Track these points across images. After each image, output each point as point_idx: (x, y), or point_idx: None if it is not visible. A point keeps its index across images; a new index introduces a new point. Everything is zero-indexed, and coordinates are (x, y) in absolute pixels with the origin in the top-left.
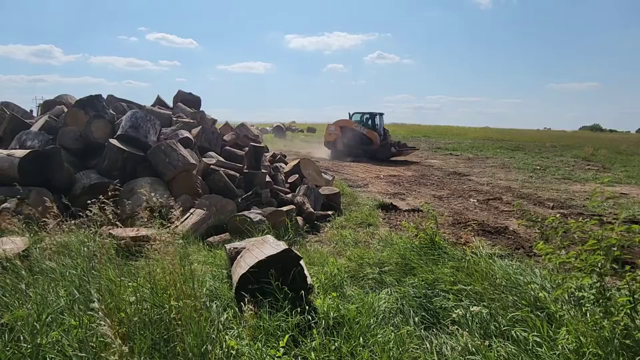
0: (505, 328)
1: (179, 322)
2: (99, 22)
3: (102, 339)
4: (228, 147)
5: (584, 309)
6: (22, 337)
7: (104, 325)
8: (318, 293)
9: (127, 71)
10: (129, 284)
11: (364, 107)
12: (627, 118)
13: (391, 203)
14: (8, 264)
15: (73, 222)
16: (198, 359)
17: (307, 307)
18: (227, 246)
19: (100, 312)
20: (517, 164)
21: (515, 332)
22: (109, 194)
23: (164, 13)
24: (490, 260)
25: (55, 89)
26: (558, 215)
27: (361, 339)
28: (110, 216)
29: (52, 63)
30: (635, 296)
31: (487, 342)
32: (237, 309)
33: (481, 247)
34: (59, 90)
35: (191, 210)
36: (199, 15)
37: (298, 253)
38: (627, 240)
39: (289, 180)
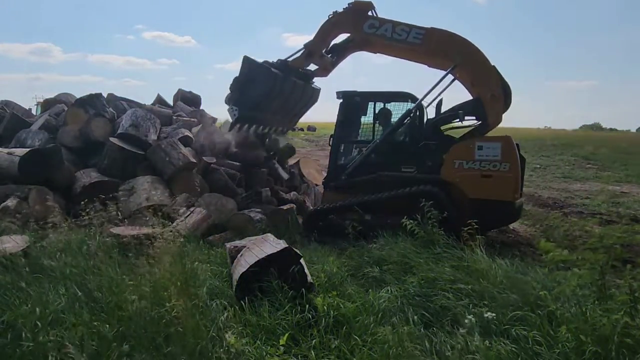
0: (505, 327)
1: (180, 321)
2: (95, 20)
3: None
4: None
5: (584, 308)
6: (23, 336)
7: None
8: (318, 291)
9: (126, 70)
10: (130, 282)
11: None
12: (628, 117)
13: None
14: (8, 262)
15: (74, 220)
16: (198, 358)
17: (307, 306)
18: (228, 245)
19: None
20: None
21: (515, 330)
22: (112, 192)
23: (160, 11)
24: (490, 259)
25: (54, 87)
26: (559, 214)
27: (361, 337)
28: (111, 215)
29: (51, 61)
30: (635, 294)
31: (487, 341)
32: (237, 308)
33: (481, 246)
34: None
35: (191, 209)
36: (196, 14)
37: (298, 251)
38: (628, 238)
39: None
